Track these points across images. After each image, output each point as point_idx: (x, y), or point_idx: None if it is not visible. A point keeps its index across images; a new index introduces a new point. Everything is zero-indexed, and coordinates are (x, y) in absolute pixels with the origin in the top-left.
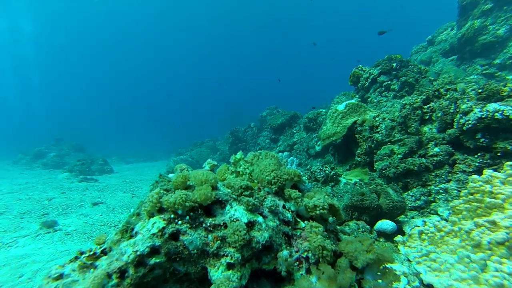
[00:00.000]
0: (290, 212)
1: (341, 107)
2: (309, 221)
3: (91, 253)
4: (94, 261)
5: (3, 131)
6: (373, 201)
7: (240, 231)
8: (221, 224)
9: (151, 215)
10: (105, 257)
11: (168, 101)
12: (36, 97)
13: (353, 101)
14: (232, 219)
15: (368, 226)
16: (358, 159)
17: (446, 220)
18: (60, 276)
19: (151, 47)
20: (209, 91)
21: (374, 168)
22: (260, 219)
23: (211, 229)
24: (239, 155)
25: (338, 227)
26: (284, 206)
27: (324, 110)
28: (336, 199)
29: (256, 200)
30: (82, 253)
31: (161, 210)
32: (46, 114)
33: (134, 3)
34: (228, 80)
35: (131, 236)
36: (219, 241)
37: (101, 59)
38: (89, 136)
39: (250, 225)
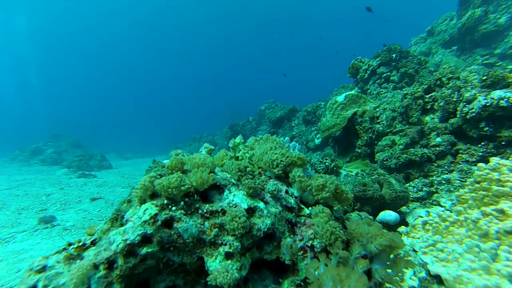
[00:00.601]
0: (294, 198)
1: (340, 98)
2: (315, 206)
3: (80, 244)
4: (83, 252)
5: (0, 128)
6: (375, 192)
7: (239, 218)
8: (219, 210)
9: (142, 201)
10: (94, 247)
11: (167, 98)
12: (33, 94)
13: (353, 92)
14: (231, 205)
15: (371, 217)
16: (359, 150)
17: (450, 211)
18: (43, 269)
19: (150, 44)
20: (208, 88)
21: (375, 160)
22: (261, 204)
23: (208, 215)
24: (238, 139)
25: (344, 216)
26: (287, 192)
27: (323, 103)
28: (341, 183)
29: (257, 184)
30: (70, 244)
31: (153, 196)
32: (43, 111)
33: (134, 1)
34: (227, 78)
35: (122, 225)
36: (216, 229)
37: (100, 55)
38: (88, 133)
39: (251, 211)
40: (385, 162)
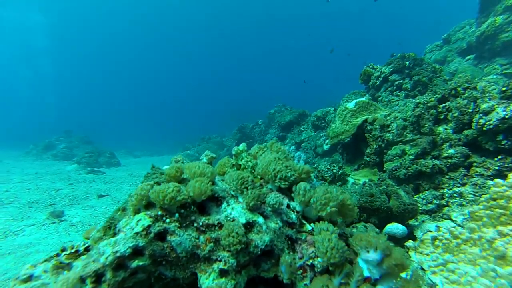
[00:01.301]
0: (295, 213)
1: (351, 105)
2: (317, 222)
3: (73, 250)
4: (74, 260)
5: (16, 122)
6: (383, 203)
7: (236, 233)
8: (216, 224)
9: (137, 211)
10: (84, 256)
11: (178, 98)
12: (47, 89)
13: (363, 99)
14: (229, 218)
15: (377, 229)
16: (367, 159)
17: (461, 226)
18: (29, 278)
19: (165, 42)
20: (219, 89)
21: (384, 169)
22: (260, 219)
23: (204, 229)
24: (241, 146)
25: (348, 230)
26: (288, 206)
27: (333, 109)
28: (348, 195)
29: (258, 197)
30: (63, 250)
31: (149, 206)
32: (57, 106)
33: None
34: (239, 79)
35: (115, 234)
36: (212, 244)
37: (113, 52)
38: (98, 129)
39: (249, 226)
40: (394, 172)
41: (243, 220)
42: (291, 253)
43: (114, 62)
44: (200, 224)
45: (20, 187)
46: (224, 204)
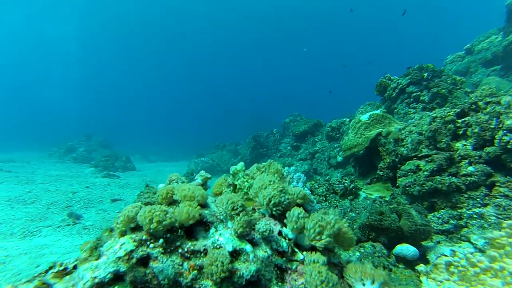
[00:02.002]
0: (287, 240)
1: (364, 117)
2: (309, 252)
3: (61, 268)
4: (60, 279)
5: (45, 125)
6: (393, 222)
7: (221, 262)
8: (201, 250)
9: (123, 233)
10: (68, 277)
11: (195, 104)
12: (74, 95)
13: (378, 111)
14: (215, 245)
15: (385, 251)
16: (380, 173)
17: (482, 251)
18: None
19: (181, 49)
20: (235, 96)
21: (397, 184)
22: (248, 247)
23: (189, 255)
24: (239, 166)
25: (344, 258)
26: (280, 233)
27: (348, 120)
28: (346, 221)
29: (247, 223)
30: (52, 268)
31: (135, 228)
32: (81, 111)
33: (169, 6)
34: (255, 88)
35: (99, 256)
36: (195, 271)
37: (133, 60)
38: (116, 133)
39: (235, 254)
40: (407, 188)
41: (229, 248)
42: (280, 283)
43: (134, 70)
44: (185, 250)
45: (41, 188)
46: (212, 230)
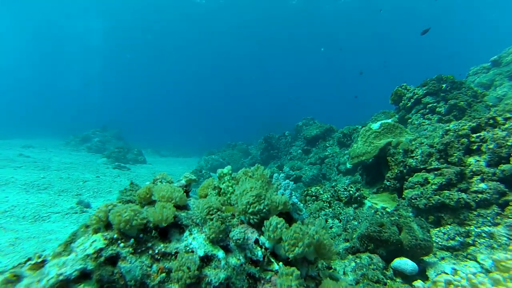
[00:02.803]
0: (263, 249)
1: (375, 126)
2: (287, 262)
3: (39, 260)
4: (34, 272)
5: (65, 114)
6: (392, 235)
7: (187, 267)
8: (173, 253)
9: (97, 230)
10: (39, 271)
11: (209, 102)
12: (95, 86)
13: (389, 121)
14: (188, 249)
15: (381, 264)
16: (387, 183)
17: (489, 272)
18: None
19: (198, 48)
20: (250, 96)
21: (403, 196)
22: (220, 254)
23: (159, 257)
24: (226, 169)
25: (327, 271)
26: (257, 241)
27: (360, 127)
28: (327, 234)
29: (222, 229)
30: (29, 259)
31: (108, 226)
32: (100, 102)
33: (186, 5)
34: (271, 90)
35: (71, 252)
36: (164, 274)
37: (152, 57)
38: (131, 126)
39: (207, 260)
40: (413, 201)
41: (201, 253)
42: None
43: (154, 66)
44: (156, 251)
45: (55, 175)
46: (186, 233)
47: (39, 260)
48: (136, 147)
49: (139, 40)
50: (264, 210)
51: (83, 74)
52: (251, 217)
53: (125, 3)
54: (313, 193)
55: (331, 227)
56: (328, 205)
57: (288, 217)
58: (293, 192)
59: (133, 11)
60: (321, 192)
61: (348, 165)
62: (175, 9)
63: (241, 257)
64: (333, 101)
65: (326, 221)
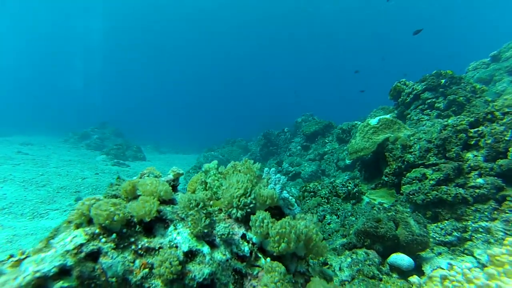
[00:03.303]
0: (250, 245)
1: (373, 121)
2: (275, 258)
3: (22, 257)
4: (15, 269)
5: (64, 112)
6: (389, 230)
7: (169, 263)
8: (157, 248)
9: (79, 225)
10: (13, 271)
11: (209, 99)
12: (95, 84)
13: (387, 116)
14: (172, 244)
15: (377, 260)
16: (385, 178)
17: (485, 266)
18: None
19: (197, 45)
20: (250, 93)
21: (401, 191)
22: (205, 249)
23: (142, 252)
24: (212, 164)
25: (318, 268)
26: (244, 236)
27: (359, 123)
28: (316, 228)
29: (206, 224)
30: (11, 256)
31: (91, 221)
32: (99, 99)
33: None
34: (271, 86)
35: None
36: (147, 270)
37: (151, 56)
38: (131, 123)
39: (191, 255)
40: (411, 196)
41: (185, 248)
42: None
43: (153, 63)
44: (140, 246)
45: (53, 172)
46: (171, 228)
47: (22, 256)
48: (135, 144)
49: (139, 39)
50: (251, 204)
51: (82, 71)
52: (238, 211)
53: (125, 2)
54: (311, 189)
55: (329, 223)
56: (326, 201)
57: (280, 212)
58: (285, 186)
59: (133, 10)
60: (319, 188)
61: (347, 161)
62: (175, 8)
63: (227, 253)
64: (332, 98)
65: (324, 217)
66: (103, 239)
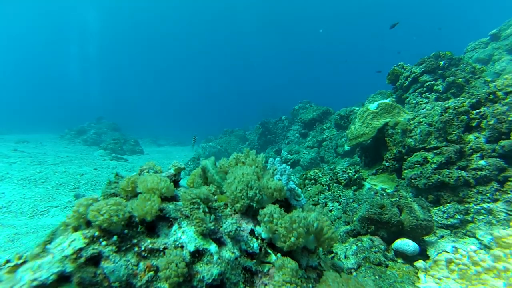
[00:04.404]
0: (259, 240)
1: (373, 106)
2: (286, 253)
3: (20, 261)
4: (13, 275)
5: (59, 108)
6: (393, 216)
7: (175, 265)
8: (161, 249)
9: (77, 228)
10: (9, 278)
11: (205, 90)
12: (92, 78)
13: (387, 100)
14: (177, 244)
15: (382, 246)
16: (386, 164)
17: (488, 247)
18: None
19: (193, 36)
20: (245, 83)
21: (403, 176)
22: (213, 247)
23: (146, 254)
24: (209, 161)
25: (329, 260)
26: (252, 232)
27: (357, 108)
28: (328, 221)
29: (214, 220)
30: (8, 261)
31: (90, 223)
32: (95, 93)
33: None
34: (266, 73)
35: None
36: (152, 273)
37: (147, 46)
38: (127, 117)
39: (198, 255)
40: (413, 181)
41: (191, 247)
42: (248, 287)
43: (148, 55)
44: (143, 248)
45: (51, 169)
46: (175, 226)
47: (20, 261)
48: (132, 138)
49: (134, 31)
50: (258, 198)
51: (78, 65)
52: (244, 206)
53: None
54: (312, 177)
55: (331, 210)
56: (327, 188)
57: (287, 203)
58: (290, 177)
59: (128, 2)
60: (320, 175)
61: (346, 147)
62: (172, 4)
63: (235, 250)
64: (329, 84)
65: (326, 204)
66: (104, 242)
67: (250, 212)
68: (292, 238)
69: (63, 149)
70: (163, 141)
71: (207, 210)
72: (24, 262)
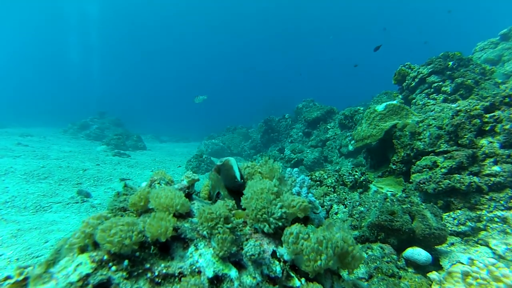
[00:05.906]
0: (282, 263)
1: (380, 107)
2: (307, 278)
3: (20, 278)
4: None
5: (62, 102)
6: (405, 224)
7: None
8: (176, 274)
9: (84, 249)
10: None
11: (208, 86)
12: (93, 72)
13: (394, 102)
14: (194, 268)
15: (394, 256)
16: (393, 166)
17: (502, 258)
18: None
19: (196, 33)
20: (248, 80)
21: (411, 180)
22: (233, 273)
23: (160, 280)
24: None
25: (351, 282)
26: (274, 253)
27: (362, 108)
28: (351, 237)
29: (234, 242)
30: (7, 278)
31: (97, 245)
32: (98, 89)
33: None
34: (270, 72)
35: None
36: None
37: (151, 42)
38: (130, 112)
39: (216, 281)
40: (421, 185)
41: (210, 273)
42: None
43: (152, 50)
44: (156, 273)
45: (54, 164)
46: (191, 248)
47: (20, 278)
48: (135, 134)
49: (136, 26)
50: (281, 217)
51: (79, 58)
52: (266, 225)
53: None
54: (317, 178)
55: (336, 213)
56: (332, 190)
57: (305, 217)
58: (310, 189)
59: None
60: (325, 176)
61: (351, 148)
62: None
63: (257, 275)
64: (333, 82)
65: (331, 206)
66: (113, 267)
67: (272, 232)
68: (319, 262)
69: (66, 143)
70: (165, 137)
71: (227, 230)
72: (25, 279)
